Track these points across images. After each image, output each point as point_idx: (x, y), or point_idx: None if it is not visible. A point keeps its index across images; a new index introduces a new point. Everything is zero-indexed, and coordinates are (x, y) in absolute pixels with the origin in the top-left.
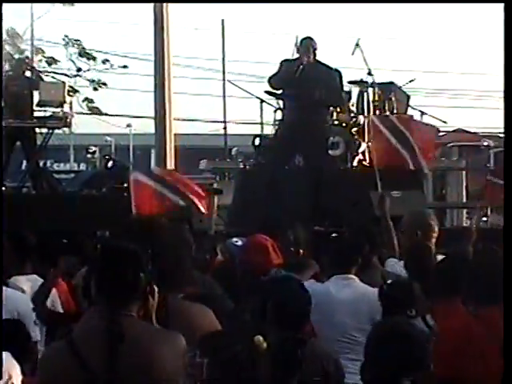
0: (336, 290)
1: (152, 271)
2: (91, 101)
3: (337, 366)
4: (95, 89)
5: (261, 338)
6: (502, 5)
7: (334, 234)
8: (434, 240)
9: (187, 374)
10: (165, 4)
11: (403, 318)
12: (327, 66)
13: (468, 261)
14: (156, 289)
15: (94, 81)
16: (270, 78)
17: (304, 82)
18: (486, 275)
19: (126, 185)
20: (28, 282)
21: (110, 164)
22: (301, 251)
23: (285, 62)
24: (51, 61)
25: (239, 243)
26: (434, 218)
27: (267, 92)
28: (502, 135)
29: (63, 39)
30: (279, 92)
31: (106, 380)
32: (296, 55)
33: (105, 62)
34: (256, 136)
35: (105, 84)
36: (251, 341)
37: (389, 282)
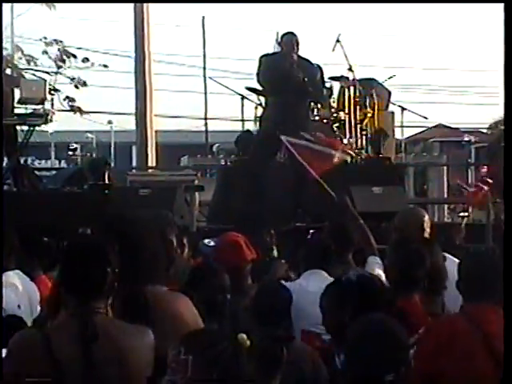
0: (306, 283)
1: (128, 264)
2: (72, 99)
3: (315, 364)
4: (76, 87)
5: (244, 336)
6: (501, 5)
7: (311, 231)
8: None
9: (171, 370)
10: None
11: (383, 314)
12: (309, 62)
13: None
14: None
15: (74, 79)
16: (258, 74)
17: (286, 78)
18: (471, 272)
19: (107, 182)
20: (16, 277)
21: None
22: (274, 248)
23: (264, 58)
24: (31, 59)
25: (212, 244)
26: (426, 215)
27: (248, 88)
28: (483, 130)
29: (44, 38)
30: (260, 88)
31: (77, 375)
32: (277, 49)
33: (85, 60)
34: (240, 133)
35: (85, 83)
36: (235, 339)
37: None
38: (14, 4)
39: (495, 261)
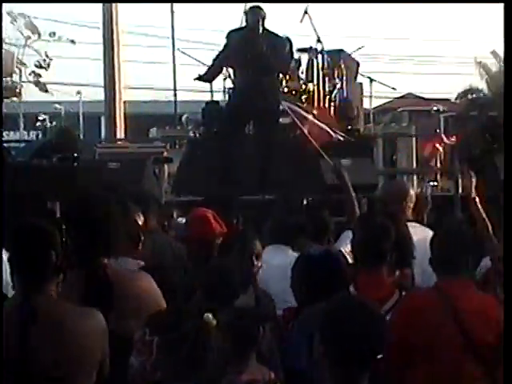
0: (270, 257)
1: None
2: (38, 75)
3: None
4: (41, 66)
5: (210, 316)
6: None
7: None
8: (409, 210)
9: (137, 351)
10: None
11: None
12: (275, 34)
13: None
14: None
15: (42, 57)
16: (225, 47)
17: (255, 50)
18: (442, 247)
19: (75, 154)
20: None
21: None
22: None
23: (231, 32)
24: None
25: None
26: (410, 188)
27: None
28: (452, 100)
29: (11, 11)
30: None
31: (17, 360)
32: (244, 23)
33: (52, 34)
34: (206, 103)
35: (49, 65)
36: (200, 318)
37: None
38: None
39: (465, 234)
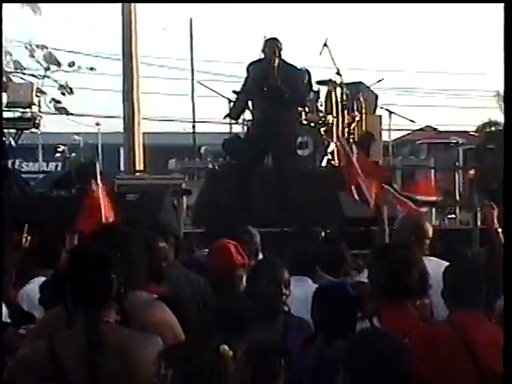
0: (292, 289)
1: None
2: (58, 101)
3: None
4: (63, 94)
5: (226, 348)
6: (501, 5)
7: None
8: (426, 245)
9: None
10: (132, 3)
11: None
12: (293, 66)
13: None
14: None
15: (62, 86)
16: (246, 80)
17: (271, 83)
18: (453, 279)
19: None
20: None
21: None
22: (260, 253)
23: (250, 65)
24: (18, 62)
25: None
26: (426, 221)
27: (235, 92)
28: (471, 132)
29: (30, 42)
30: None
31: None
32: (262, 56)
33: (71, 64)
34: (227, 137)
35: (71, 90)
36: (217, 350)
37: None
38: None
39: (480, 269)
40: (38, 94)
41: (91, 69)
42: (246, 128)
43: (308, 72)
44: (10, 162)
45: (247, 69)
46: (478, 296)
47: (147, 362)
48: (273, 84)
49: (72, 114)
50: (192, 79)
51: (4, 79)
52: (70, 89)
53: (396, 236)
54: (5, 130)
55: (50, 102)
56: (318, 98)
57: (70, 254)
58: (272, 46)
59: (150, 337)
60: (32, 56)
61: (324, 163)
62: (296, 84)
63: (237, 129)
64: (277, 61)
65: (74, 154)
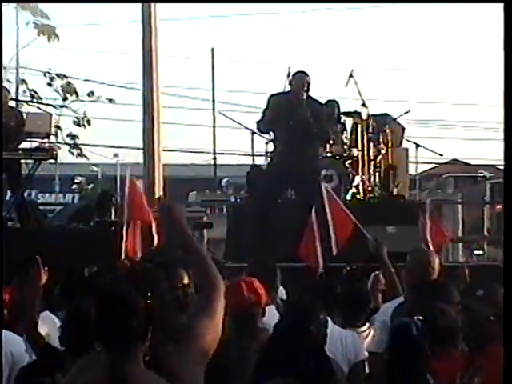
0: None
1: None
2: (75, 136)
3: None
4: (79, 125)
5: None
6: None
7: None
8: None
9: None
10: (154, 31)
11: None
12: (318, 102)
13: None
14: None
15: (79, 118)
16: (259, 122)
17: (296, 117)
18: (471, 321)
19: (113, 219)
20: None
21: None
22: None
23: (273, 96)
24: (35, 92)
25: None
26: (433, 255)
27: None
28: (499, 166)
29: (48, 71)
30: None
31: None
32: (288, 88)
33: (90, 94)
34: (250, 169)
35: (89, 122)
36: None
37: None
38: (19, 34)
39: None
40: (56, 124)
41: (110, 100)
42: (268, 159)
43: (337, 104)
44: (26, 193)
45: (268, 100)
46: None
47: None
48: (301, 118)
49: (88, 145)
50: (213, 109)
51: (22, 109)
52: (88, 120)
53: (406, 272)
54: (22, 161)
55: (68, 136)
56: (344, 129)
57: (98, 293)
58: (301, 79)
59: None
60: (50, 85)
61: (349, 196)
62: (322, 118)
63: (259, 161)
64: (305, 95)
65: (91, 185)
